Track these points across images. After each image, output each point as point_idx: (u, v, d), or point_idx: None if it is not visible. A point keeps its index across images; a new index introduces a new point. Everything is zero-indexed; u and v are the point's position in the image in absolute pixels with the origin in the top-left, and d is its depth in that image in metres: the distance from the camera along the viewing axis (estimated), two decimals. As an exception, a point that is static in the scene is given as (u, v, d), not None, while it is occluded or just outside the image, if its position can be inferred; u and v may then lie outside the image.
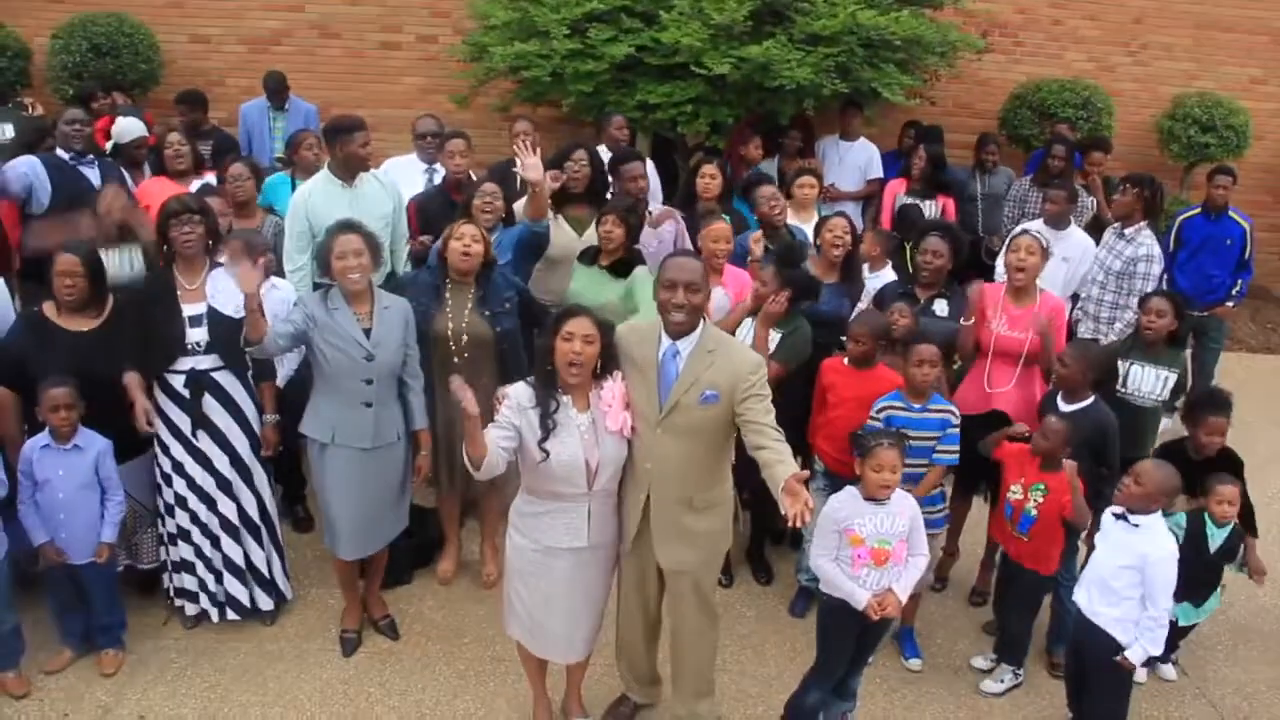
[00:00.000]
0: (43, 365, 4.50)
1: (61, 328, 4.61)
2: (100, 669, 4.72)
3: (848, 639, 4.27)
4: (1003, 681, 4.91)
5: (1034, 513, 4.66)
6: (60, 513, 4.49)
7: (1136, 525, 4.17)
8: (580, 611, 4.13)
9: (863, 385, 4.97)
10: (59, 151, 6.17)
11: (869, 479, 4.10)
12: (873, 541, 4.10)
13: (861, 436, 4.21)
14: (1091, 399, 4.85)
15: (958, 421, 4.83)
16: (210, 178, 6.35)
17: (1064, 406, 4.83)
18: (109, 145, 7.10)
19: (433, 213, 6.06)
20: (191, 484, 4.76)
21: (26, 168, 6.03)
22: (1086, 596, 4.33)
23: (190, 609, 4.97)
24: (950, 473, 5.10)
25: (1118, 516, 4.25)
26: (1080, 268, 6.67)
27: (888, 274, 5.93)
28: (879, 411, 4.81)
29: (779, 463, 3.58)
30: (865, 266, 5.90)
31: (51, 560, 4.53)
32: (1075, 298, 6.70)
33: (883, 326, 5.01)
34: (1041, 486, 4.63)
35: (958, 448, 4.83)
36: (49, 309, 4.64)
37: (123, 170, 6.57)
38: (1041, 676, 5.02)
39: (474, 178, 6.24)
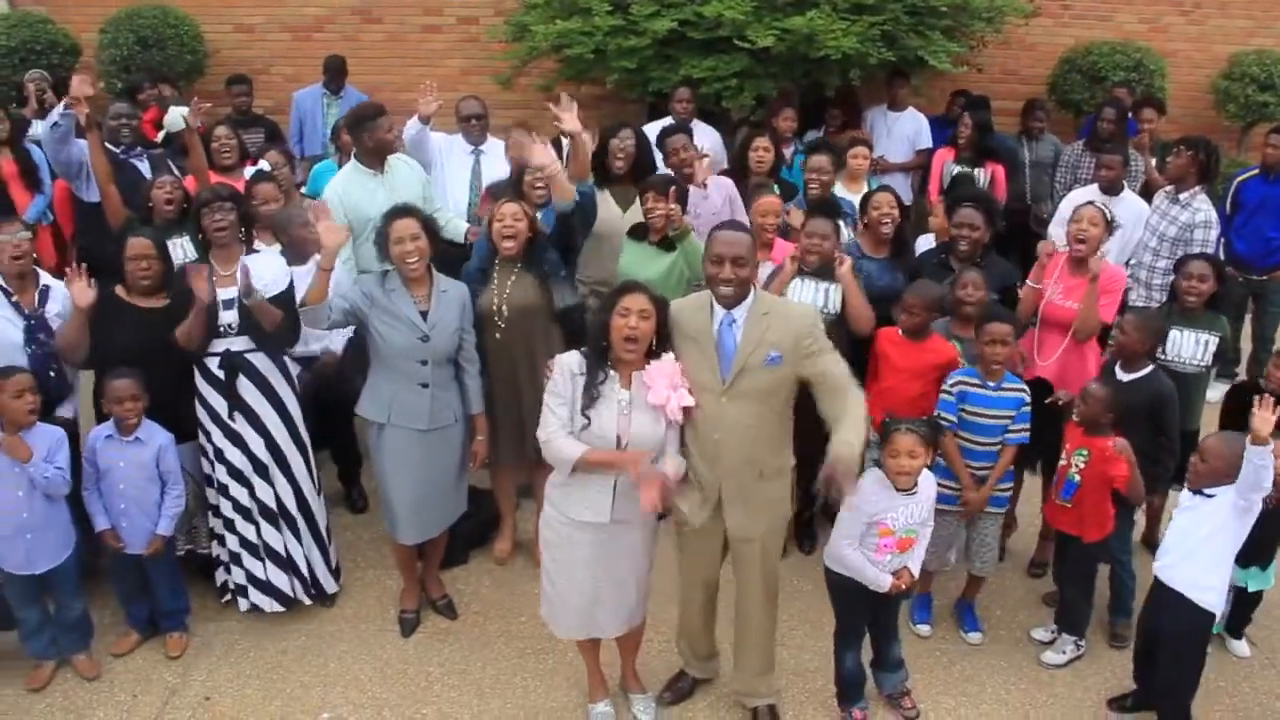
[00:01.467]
0: (118, 339, 4.63)
1: (134, 305, 4.70)
2: (166, 651, 4.82)
3: (859, 603, 4.29)
4: (1064, 653, 4.86)
5: (1077, 479, 4.61)
6: (121, 502, 4.57)
7: (1212, 495, 4.10)
8: (604, 590, 4.11)
9: (916, 356, 4.93)
10: (107, 145, 6.24)
11: (886, 465, 4.08)
12: (901, 532, 4.12)
13: (886, 423, 4.18)
14: (1150, 368, 4.78)
15: (1030, 400, 4.77)
16: (264, 164, 6.41)
17: (1123, 375, 4.76)
18: (160, 136, 7.19)
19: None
20: (231, 469, 4.81)
21: (81, 150, 6.14)
22: (1169, 567, 4.23)
23: (241, 604, 5.01)
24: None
25: (1194, 492, 4.17)
26: (1135, 234, 6.57)
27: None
28: (952, 386, 4.77)
29: (842, 443, 3.58)
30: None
31: (111, 547, 4.62)
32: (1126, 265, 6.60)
33: (936, 297, 4.95)
34: (1085, 452, 4.57)
35: (1029, 426, 4.77)
36: (121, 289, 4.73)
37: (170, 162, 6.66)
38: (1102, 647, 4.97)
39: None
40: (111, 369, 4.54)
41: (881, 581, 4.13)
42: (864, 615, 4.35)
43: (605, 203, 5.76)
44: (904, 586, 4.16)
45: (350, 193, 5.69)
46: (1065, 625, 4.92)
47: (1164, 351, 5.09)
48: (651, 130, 6.73)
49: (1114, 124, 7.67)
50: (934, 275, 5.27)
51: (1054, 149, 8.16)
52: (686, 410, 3.89)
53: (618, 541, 4.05)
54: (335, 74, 8.82)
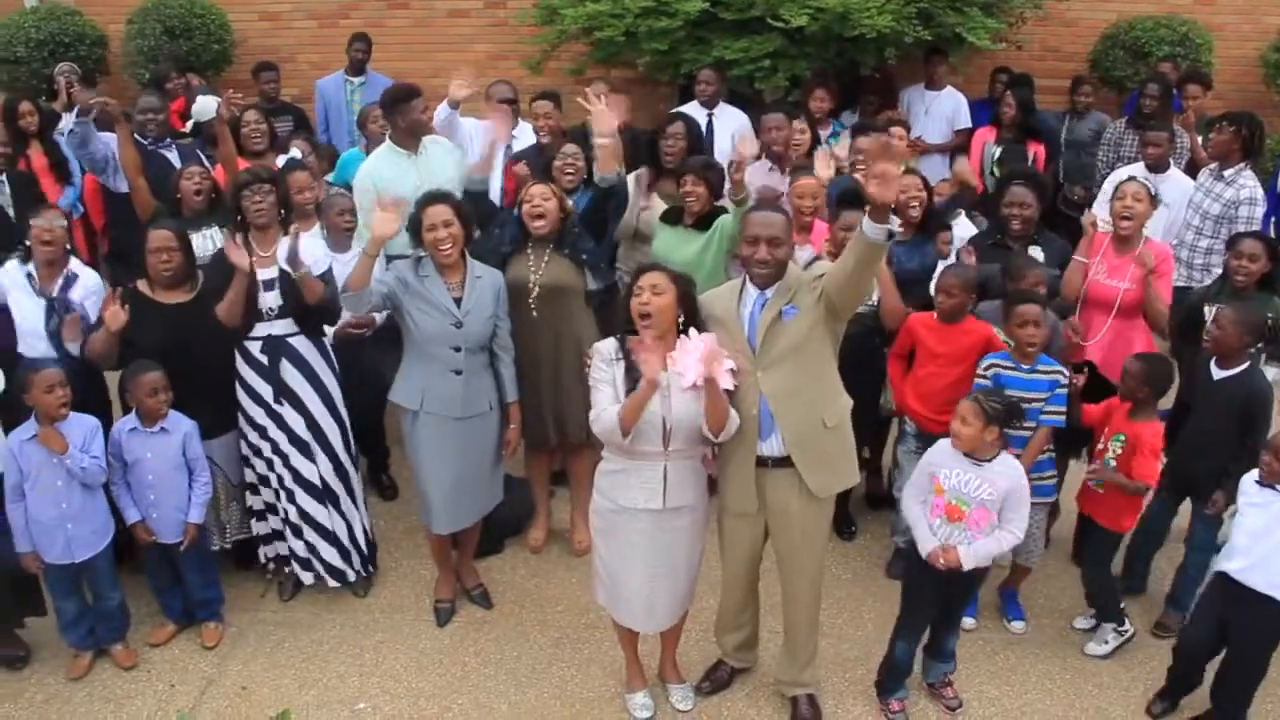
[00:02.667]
0: (142, 338, 4.66)
1: (158, 301, 4.76)
2: (202, 641, 4.90)
3: (930, 588, 4.26)
4: (1106, 642, 4.83)
5: (1112, 463, 4.59)
6: (150, 493, 4.65)
7: None
8: (660, 579, 4.14)
9: (953, 340, 4.90)
10: (135, 137, 6.31)
11: (952, 429, 4.11)
12: (951, 496, 4.09)
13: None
14: (1246, 364, 4.66)
15: (1066, 383, 4.72)
16: (296, 151, 6.46)
17: (1218, 373, 4.67)
18: (188, 125, 7.27)
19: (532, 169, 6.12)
20: (276, 449, 4.89)
21: (112, 141, 6.24)
22: (1247, 569, 4.11)
23: (306, 577, 5.10)
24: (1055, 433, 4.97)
25: (1262, 485, 4.10)
26: (1180, 213, 6.51)
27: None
28: (986, 369, 4.75)
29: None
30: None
31: (142, 539, 4.70)
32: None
33: (975, 279, 4.94)
34: (1122, 438, 4.55)
35: (1065, 409, 4.73)
36: (143, 284, 4.79)
37: (199, 151, 6.73)
38: (1147, 637, 4.93)
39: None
40: (136, 361, 4.60)
41: (925, 544, 4.12)
42: (932, 605, 4.32)
43: (653, 203, 5.76)
44: (941, 564, 4.09)
45: (383, 173, 5.74)
46: (1099, 612, 4.89)
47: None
48: (690, 111, 6.78)
49: (1158, 100, 7.58)
50: (989, 257, 5.24)
51: (1096, 126, 8.08)
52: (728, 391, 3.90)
53: (673, 528, 4.08)
54: (358, 56, 8.79)
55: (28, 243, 4.93)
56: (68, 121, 6.79)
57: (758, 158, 6.06)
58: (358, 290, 4.43)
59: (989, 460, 4.08)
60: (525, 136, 6.91)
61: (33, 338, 4.90)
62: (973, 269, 5.01)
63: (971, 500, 4.08)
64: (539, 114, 6.56)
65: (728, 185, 5.33)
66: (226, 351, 4.84)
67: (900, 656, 4.41)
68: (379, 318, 5.35)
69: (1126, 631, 4.84)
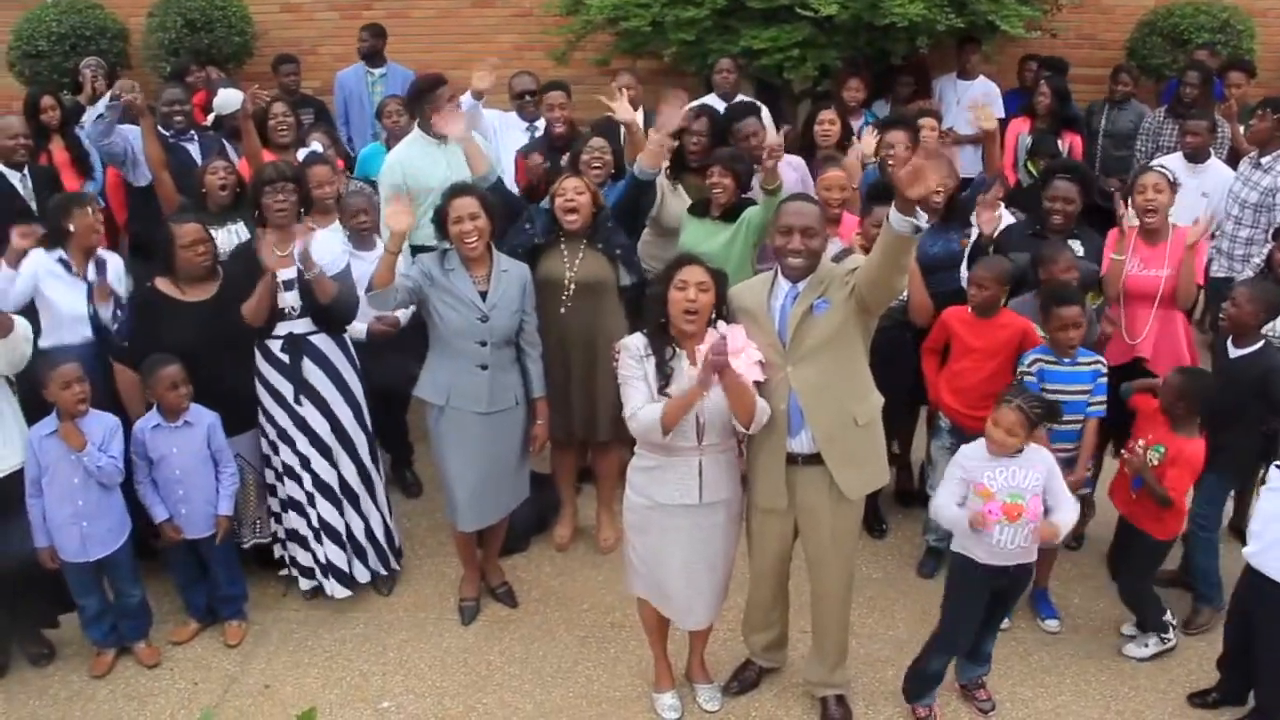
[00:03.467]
0: (169, 338, 4.70)
1: (179, 300, 4.80)
2: (225, 639, 4.94)
3: (977, 601, 4.23)
4: (1147, 646, 4.80)
5: (1154, 461, 4.55)
6: (179, 488, 4.69)
7: None
8: (699, 575, 4.16)
9: (988, 334, 4.89)
10: (159, 130, 6.36)
11: (987, 432, 4.09)
12: (1004, 495, 4.05)
13: (1002, 392, 4.17)
14: (1262, 343, 4.68)
15: (1106, 371, 4.74)
16: (316, 145, 6.50)
17: (1234, 351, 4.69)
18: (209, 119, 7.32)
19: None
20: (295, 451, 4.92)
21: (131, 134, 6.29)
22: (1262, 553, 4.12)
23: (304, 584, 5.15)
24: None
25: (1278, 468, 4.11)
26: (1222, 202, 6.46)
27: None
28: (1030, 365, 4.74)
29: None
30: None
31: (172, 539, 4.75)
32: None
33: (1008, 271, 4.92)
34: (1161, 449, 4.51)
35: (1106, 398, 4.75)
36: (162, 284, 4.83)
37: (225, 142, 6.78)
38: (1190, 638, 4.89)
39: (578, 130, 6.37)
40: (153, 356, 4.63)
41: (960, 521, 4.07)
42: (977, 612, 4.27)
43: (677, 195, 5.77)
44: (1053, 535, 4.08)
45: (413, 162, 5.77)
46: (1142, 623, 4.84)
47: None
48: (710, 103, 6.76)
49: (1198, 89, 7.53)
50: (1025, 249, 5.21)
51: (1135, 117, 8.02)
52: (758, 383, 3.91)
53: (710, 524, 4.11)
54: (374, 45, 8.81)
55: (62, 228, 4.98)
56: (92, 115, 6.83)
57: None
58: (382, 288, 4.46)
59: (1020, 452, 4.08)
60: (512, 129, 6.91)
61: (76, 323, 4.99)
62: (1005, 261, 4.99)
63: (1026, 491, 4.05)
64: (552, 104, 6.56)
65: (757, 176, 5.32)
66: (248, 348, 4.87)
67: (936, 670, 4.37)
68: (404, 316, 5.38)
69: (1170, 641, 4.80)
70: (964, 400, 4.94)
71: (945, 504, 4.19)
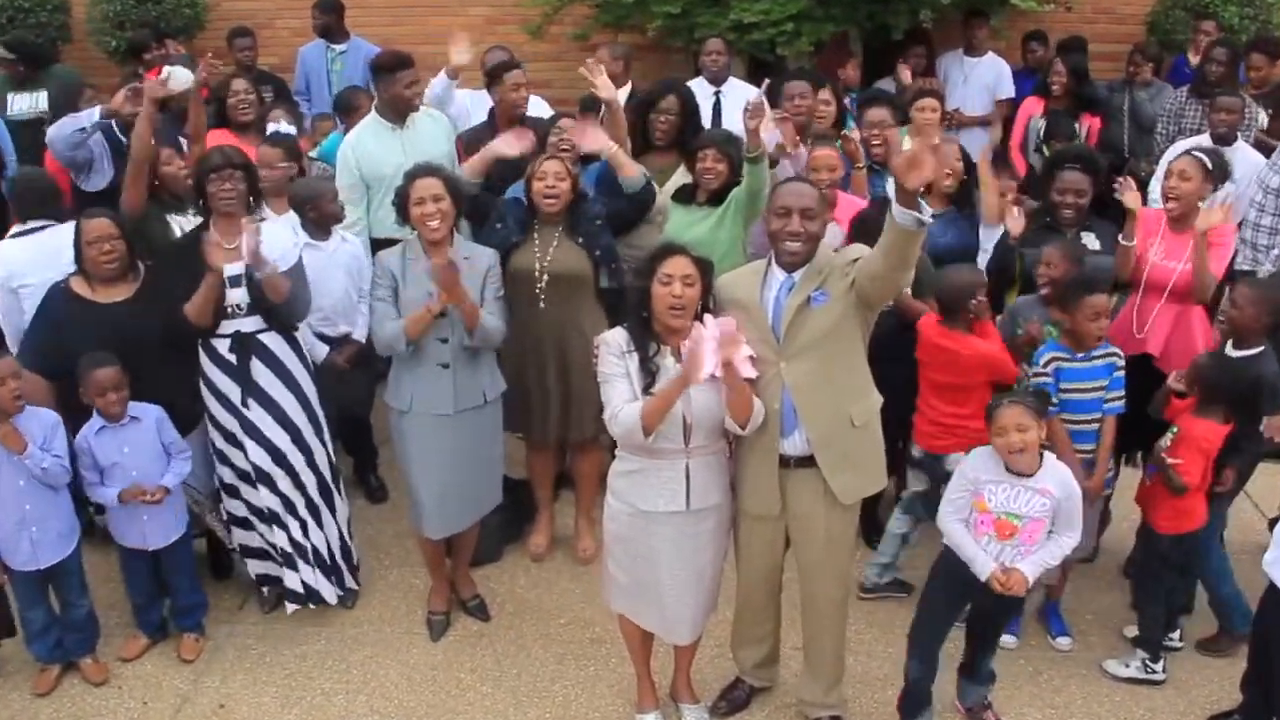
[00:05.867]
0: (77, 343, 4.69)
1: (93, 301, 4.80)
2: (180, 653, 4.97)
3: (950, 604, 4.31)
4: (1128, 666, 4.83)
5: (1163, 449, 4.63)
6: None
7: None
8: (686, 587, 4.18)
9: (954, 353, 4.85)
10: (118, 133, 6.34)
11: (997, 446, 4.09)
12: (998, 512, 4.10)
13: (988, 405, 4.22)
14: (1260, 349, 4.72)
15: (1122, 364, 4.79)
16: (279, 125, 6.50)
17: (1233, 353, 4.74)
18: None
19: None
20: (249, 460, 4.93)
21: (95, 143, 6.29)
22: (1272, 556, 4.15)
23: (268, 593, 5.22)
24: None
25: None
26: (1248, 190, 6.53)
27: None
28: (1046, 364, 4.78)
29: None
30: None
31: (134, 498, 4.64)
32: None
33: (971, 283, 4.88)
34: (1175, 429, 4.60)
35: (1123, 392, 4.79)
36: (76, 283, 4.84)
37: (174, 127, 6.77)
38: (1208, 658, 4.96)
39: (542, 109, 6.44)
40: (89, 355, 4.61)
41: (980, 564, 4.08)
42: (947, 617, 4.34)
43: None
44: (1008, 587, 4.05)
45: (366, 147, 5.82)
46: (1139, 632, 4.89)
47: None
48: (697, 86, 6.80)
49: (1225, 66, 7.56)
50: (1037, 244, 5.25)
51: (1157, 96, 8.08)
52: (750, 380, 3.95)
53: (697, 532, 4.14)
54: (329, 22, 8.77)
55: None
56: (70, 124, 6.65)
57: None
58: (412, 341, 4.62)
59: (1034, 474, 4.09)
60: (485, 110, 6.94)
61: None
62: (970, 271, 5.03)
63: (1025, 515, 4.08)
64: (517, 84, 6.30)
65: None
66: (177, 353, 4.86)
67: (915, 679, 4.41)
68: (361, 335, 5.49)
69: (1156, 674, 4.80)
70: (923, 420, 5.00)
71: (949, 520, 4.22)
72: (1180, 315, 5.21)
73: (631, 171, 5.30)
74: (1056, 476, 4.10)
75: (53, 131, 6.36)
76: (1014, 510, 4.09)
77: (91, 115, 6.17)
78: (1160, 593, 4.78)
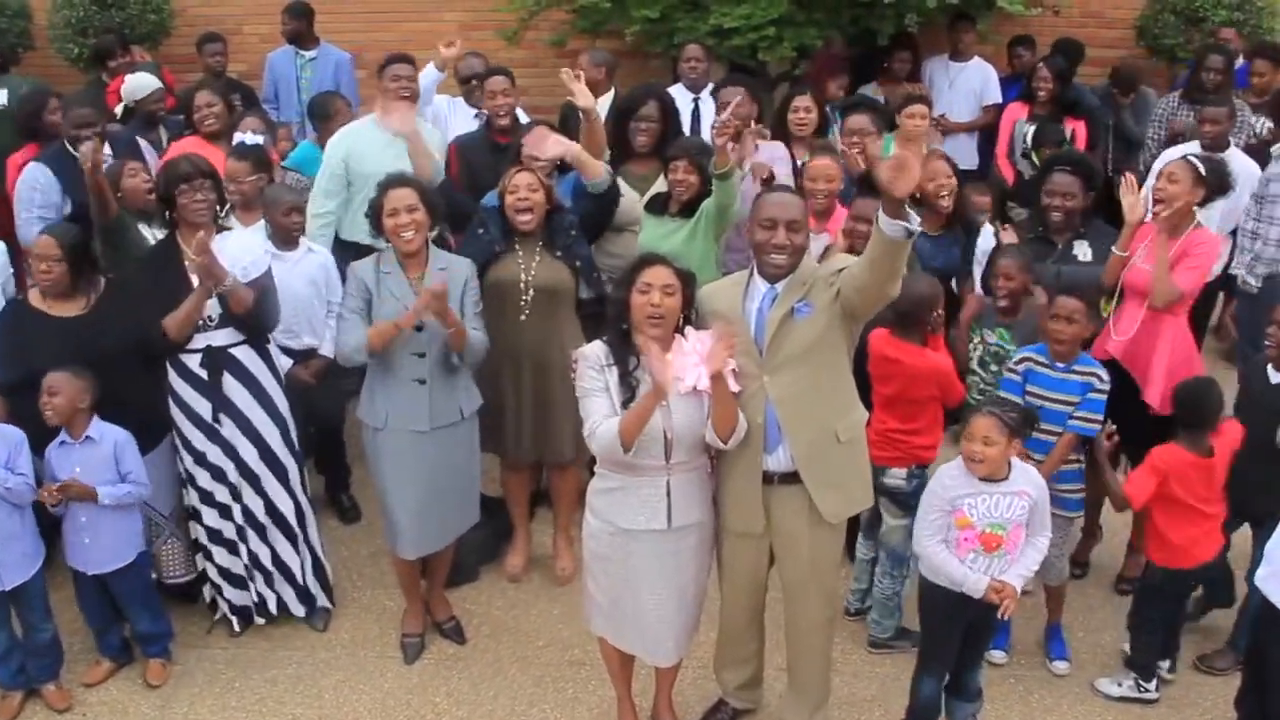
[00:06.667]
0: (35, 356, 4.69)
1: (47, 315, 4.79)
2: (147, 679, 4.95)
3: (951, 623, 4.33)
4: (1120, 685, 4.86)
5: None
6: (82, 515, 4.68)
7: None
8: (668, 607, 4.19)
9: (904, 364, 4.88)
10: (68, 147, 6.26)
11: (963, 448, 4.17)
12: (983, 525, 4.14)
13: (972, 405, 4.27)
14: None
15: (1104, 387, 4.77)
16: (247, 134, 6.50)
17: (1275, 377, 4.76)
18: (119, 108, 7.31)
19: (476, 158, 6.23)
20: (218, 475, 4.95)
21: (38, 182, 6.27)
22: (1265, 572, 4.19)
23: (237, 623, 5.21)
24: (1085, 442, 4.97)
25: None
26: (1242, 198, 6.58)
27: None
28: (1018, 363, 4.84)
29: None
30: None
31: (66, 493, 4.60)
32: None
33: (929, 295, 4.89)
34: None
35: (1099, 418, 4.77)
36: (34, 296, 4.86)
37: (139, 139, 6.78)
38: (1208, 677, 4.98)
39: (520, 119, 6.44)
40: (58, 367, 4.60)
41: (970, 580, 4.12)
42: (956, 637, 4.37)
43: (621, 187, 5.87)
44: (1002, 601, 4.11)
45: (358, 147, 5.85)
46: (1128, 660, 4.92)
47: None
48: (677, 93, 6.85)
49: (1222, 74, 7.63)
50: (1034, 252, 5.32)
51: (1145, 107, 8.16)
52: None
53: (678, 550, 4.14)
54: (298, 28, 8.78)
55: None
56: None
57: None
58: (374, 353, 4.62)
59: (1006, 478, 4.16)
60: (461, 116, 7.01)
61: None
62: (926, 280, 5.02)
63: (1008, 522, 4.13)
64: (494, 92, 6.49)
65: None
66: (141, 366, 4.87)
67: (928, 697, 4.44)
68: (328, 350, 5.53)
69: (1149, 693, 4.82)
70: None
71: (928, 542, 4.24)
72: (1150, 321, 5.18)
73: (596, 171, 5.32)
74: (1028, 476, 4.20)
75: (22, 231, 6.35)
76: (997, 520, 4.14)
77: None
78: (1155, 620, 4.81)
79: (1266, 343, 4.84)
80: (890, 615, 5.08)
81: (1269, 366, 4.81)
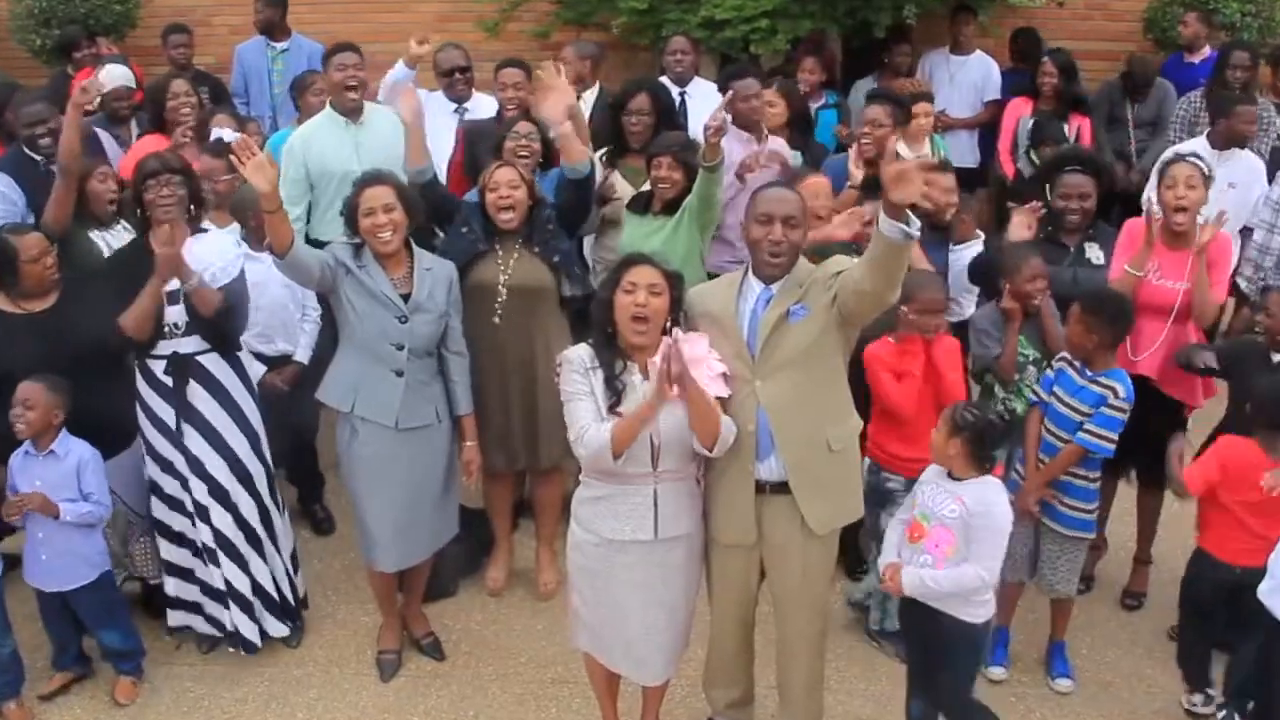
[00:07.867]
0: (7, 357, 4.71)
1: (13, 314, 4.82)
2: (115, 696, 4.95)
3: (913, 633, 4.40)
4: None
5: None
6: (39, 530, 4.69)
7: None
8: (655, 623, 4.19)
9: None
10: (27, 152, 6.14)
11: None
12: (918, 511, 4.23)
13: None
14: None
15: (1120, 404, 4.72)
16: (221, 131, 6.51)
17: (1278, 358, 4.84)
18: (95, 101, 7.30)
19: (482, 147, 6.19)
20: (185, 485, 4.97)
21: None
22: (1268, 586, 4.21)
23: (202, 638, 5.25)
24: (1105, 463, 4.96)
25: None
26: (1250, 194, 6.64)
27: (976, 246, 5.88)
28: (1056, 361, 4.90)
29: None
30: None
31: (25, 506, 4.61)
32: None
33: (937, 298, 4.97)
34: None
35: (1113, 436, 4.74)
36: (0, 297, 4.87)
37: (98, 131, 6.74)
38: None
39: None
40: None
41: (884, 557, 4.32)
42: (917, 646, 4.42)
43: (618, 181, 5.91)
44: (889, 585, 4.22)
45: (316, 144, 5.86)
46: (1184, 675, 4.92)
47: None
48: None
49: (1250, 71, 7.64)
50: (1047, 257, 5.27)
51: (1164, 99, 8.16)
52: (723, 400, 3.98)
53: (666, 562, 4.14)
54: (271, 19, 8.81)
55: None
56: None
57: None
58: (282, 252, 4.48)
59: (964, 480, 4.16)
60: (480, 109, 6.99)
61: None
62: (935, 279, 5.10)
63: (933, 518, 4.17)
64: (507, 84, 6.47)
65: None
66: (108, 367, 4.89)
67: (917, 716, 4.49)
68: (305, 356, 5.61)
69: (1214, 698, 4.80)
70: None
71: (894, 522, 4.40)
72: (1178, 337, 5.20)
73: (580, 156, 5.34)
74: (978, 492, 4.12)
75: None
76: (927, 510, 4.19)
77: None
78: (1208, 632, 4.80)
79: (1257, 330, 4.96)
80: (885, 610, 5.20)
81: (1271, 353, 4.89)
